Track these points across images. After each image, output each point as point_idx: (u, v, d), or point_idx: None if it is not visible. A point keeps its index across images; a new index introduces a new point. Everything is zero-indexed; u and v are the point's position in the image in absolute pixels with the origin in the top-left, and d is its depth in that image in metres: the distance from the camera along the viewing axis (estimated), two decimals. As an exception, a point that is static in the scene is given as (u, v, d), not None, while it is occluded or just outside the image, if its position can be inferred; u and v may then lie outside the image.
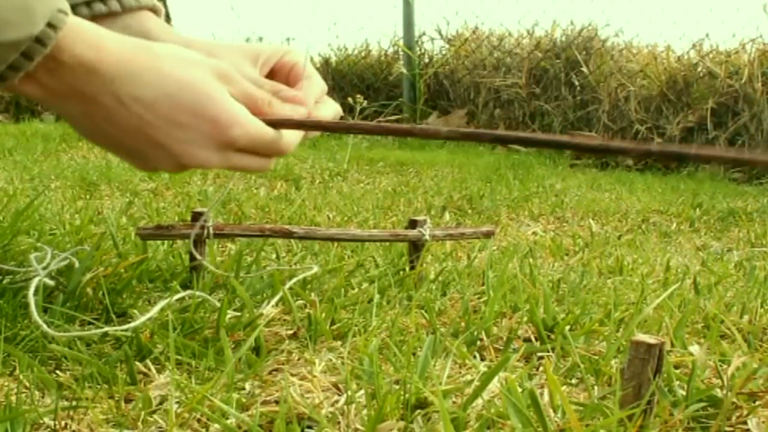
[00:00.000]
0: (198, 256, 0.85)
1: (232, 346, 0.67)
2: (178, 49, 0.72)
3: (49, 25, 0.64)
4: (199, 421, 0.54)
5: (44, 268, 0.77)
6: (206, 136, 0.70)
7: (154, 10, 0.85)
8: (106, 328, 0.69)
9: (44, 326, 0.65)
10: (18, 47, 0.63)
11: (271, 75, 0.83)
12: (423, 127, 0.72)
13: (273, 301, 0.80)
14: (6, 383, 0.59)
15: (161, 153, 0.71)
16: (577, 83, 3.42)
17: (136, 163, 0.73)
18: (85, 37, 0.67)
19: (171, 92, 0.69)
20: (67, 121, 0.73)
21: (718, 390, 0.60)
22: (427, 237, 0.93)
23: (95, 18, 0.79)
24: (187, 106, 0.69)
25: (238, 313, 0.76)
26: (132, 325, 0.68)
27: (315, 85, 0.83)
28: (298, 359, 0.67)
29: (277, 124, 0.73)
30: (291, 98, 0.77)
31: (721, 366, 0.65)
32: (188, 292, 0.77)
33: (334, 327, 0.74)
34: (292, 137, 0.75)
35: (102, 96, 0.68)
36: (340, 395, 0.60)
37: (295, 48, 0.84)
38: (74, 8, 0.79)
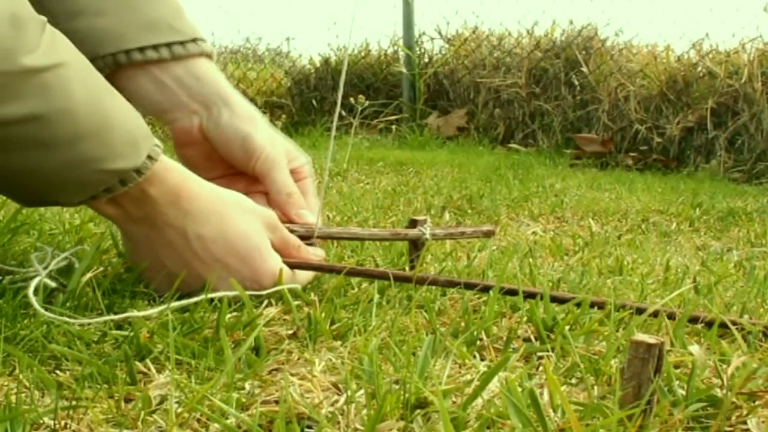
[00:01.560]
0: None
1: (232, 345, 0.67)
2: (241, 197, 0.83)
3: (149, 157, 0.74)
4: (199, 420, 0.54)
5: (44, 268, 0.77)
6: (242, 278, 0.79)
7: (206, 56, 0.90)
8: (117, 316, 0.69)
9: (64, 318, 0.68)
10: (120, 175, 0.73)
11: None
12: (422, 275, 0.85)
13: (270, 299, 0.81)
14: (6, 383, 0.59)
15: (196, 281, 0.79)
16: (576, 83, 3.42)
17: (163, 280, 0.80)
18: (174, 176, 0.77)
19: (229, 238, 0.79)
20: (125, 239, 0.83)
21: (718, 390, 0.60)
22: (427, 236, 0.93)
23: (146, 63, 0.86)
24: (238, 252, 0.80)
25: (238, 313, 0.76)
26: (140, 313, 0.68)
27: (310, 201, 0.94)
28: (298, 359, 0.67)
29: (299, 266, 0.85)
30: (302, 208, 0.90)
31: (720, 366, 0.65)
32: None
33: (334, 327, 0.74)
34: (303, 276, 0.86)
35: (169, 227, 0.78)
36: (339, 395, 0.60)
37: (309, 164, 0.95)
38: (128, 53, 0.85)
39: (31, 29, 0.67)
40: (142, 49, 0.85)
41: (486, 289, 0.83)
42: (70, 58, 0.71)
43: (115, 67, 0.85)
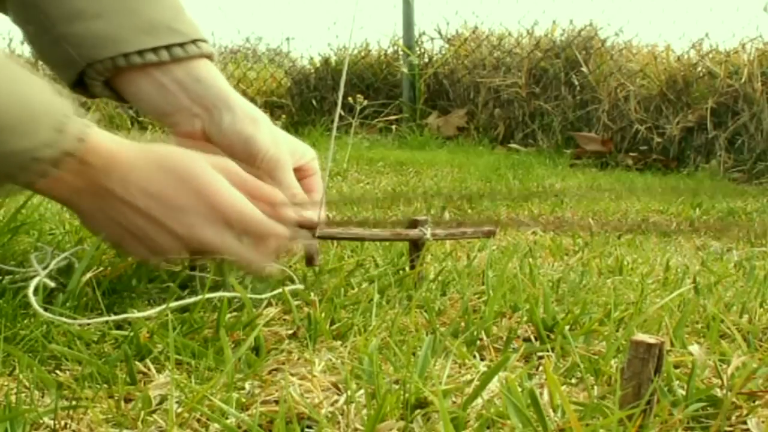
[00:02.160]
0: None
1: (232, 345, 0.67)
2: (182, 150, 0.80)
3: (78, 139, 0.72)
4: (198, 420, 0.54)
5: (44, 268, 0.77)
6: (205, 216, 0.76)
7: (207, 57, 0.89)
8: (110, 318, 0.69)
9: (64, 318, 0.67)
10: (51, 162, 0.71)
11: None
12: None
13: (270, 299, 0.81)
14: (6, 383, 0.59)
15: (167, 237, 0.77)
16: (576, 83, 3.42)
17: (144, 251, 0.78)
18: (106, 142, 0.75)
19: (173, 184, 0.76)
20: (81, 218, 0.80)
21: (718, 390, 0.60)
22: (428, 236, 0.93)
23: (146, 66, 0.85)
24: (187, 191, 0.76)
25: (238, 313, 0.76)
26: (140, 314, 0.68)
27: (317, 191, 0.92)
28: (298, 359, 0.67)
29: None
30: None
31: (720, 366, 0.65)
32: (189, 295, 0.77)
33: (334, 327, 0.74)
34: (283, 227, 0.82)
35: (116, 190, 0.75)
36: (339, 395, 0.60)
37: (316, 159, 0.94)
38: (127, 56, 0.84)
39: None
40: (141, 53, 0.85)
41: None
42: None
43: (115, 70, 0.84)
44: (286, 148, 0.90)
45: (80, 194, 0.76)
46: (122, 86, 0.86)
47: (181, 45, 0.86)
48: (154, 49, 0.85)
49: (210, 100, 0.88)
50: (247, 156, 0.88)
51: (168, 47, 0.86)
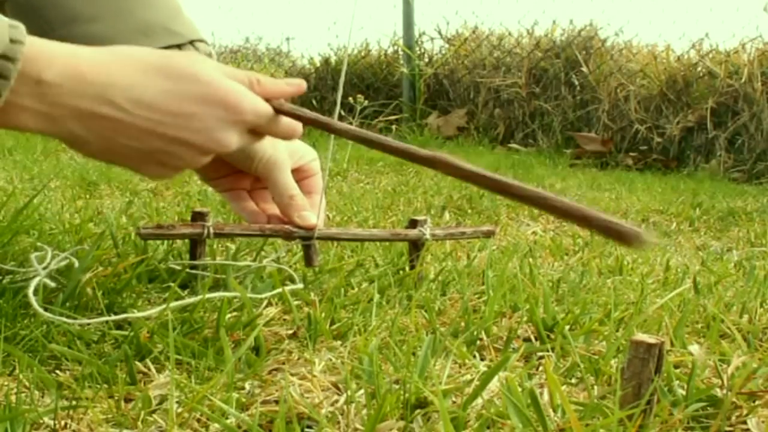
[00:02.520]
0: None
1: (232, 345, 0.67)
2: (150, 49, 0.71)
3: (12, 41, 0.61)
4: (199, 420, 0.54)
5: (44, 268, 0.77)
6: (220, 118, 0.69)
7: (194, 47, 0.87)
8: (112, 319, 0.69)
9: (63, 318, 0.67)
10: None
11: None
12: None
13: (270, 299, 0.81)
14: (6, 383, 0.59)
15: (182, 149, 0.69)
16: (576, 83, 3.42)
17: (158, 169, 0.71)
18: (61, 51, 0.64)
19: (169, 87, 0.67)
20: (80, 149, 0.70)
21: (718, 390, 0.60)
22: (428, 236, 0.93)
23: None
24: (190, 95, 0.68)
25: (238, 313, 0.76)
26: (140, 314, 0.68)
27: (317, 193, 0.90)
28: (298, 359, 0.67)
29: (283, 112, 0.74)
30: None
31: (720, 366, 0.65)
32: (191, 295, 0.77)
33: (334, 327, 0.74)
34: (292, 122, 0.76)
35: (100, 107, 0.65)
36: (339, 395, 0.60)
37: (316, 160, 0.91)
38: None
39: None
40: None
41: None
42: None
43: None
44: (284, 148, 0.90)
45: (62, 122, 0.65)
46: None
47: (178, 46, 0.86)
48: None
49: None
50: (244, 157, 0.88)
51: (165, 49, 0.86)
